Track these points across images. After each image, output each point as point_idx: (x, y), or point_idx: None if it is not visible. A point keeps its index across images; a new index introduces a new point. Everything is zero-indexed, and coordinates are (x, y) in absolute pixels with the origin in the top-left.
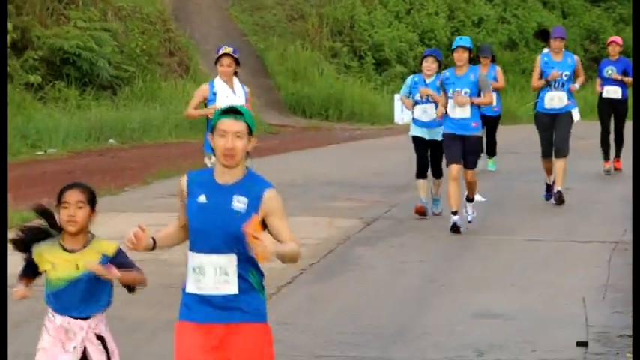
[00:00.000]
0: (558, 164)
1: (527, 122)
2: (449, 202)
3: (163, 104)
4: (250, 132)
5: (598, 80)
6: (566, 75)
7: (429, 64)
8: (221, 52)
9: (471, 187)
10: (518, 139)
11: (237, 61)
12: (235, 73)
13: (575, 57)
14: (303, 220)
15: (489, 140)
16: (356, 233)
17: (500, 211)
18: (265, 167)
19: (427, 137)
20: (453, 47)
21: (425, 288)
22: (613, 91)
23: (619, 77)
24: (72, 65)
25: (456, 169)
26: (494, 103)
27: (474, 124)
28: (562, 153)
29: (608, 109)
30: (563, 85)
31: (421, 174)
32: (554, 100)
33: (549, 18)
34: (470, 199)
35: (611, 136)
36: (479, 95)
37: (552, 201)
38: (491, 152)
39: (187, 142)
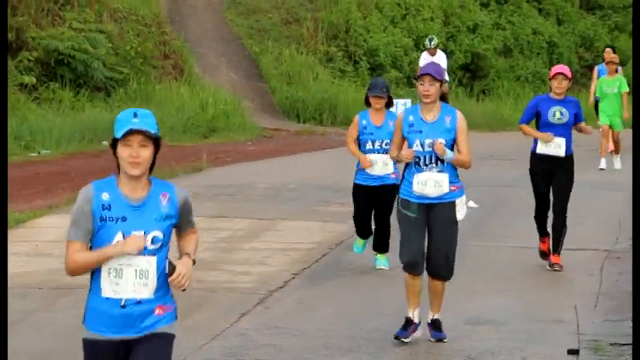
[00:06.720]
0: (435, 285)
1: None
2: None
3: (157, 107)
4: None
5: (526, 128)
6: (442, 142)
7: None
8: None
9: None
10: (512, 145)
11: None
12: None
13: (458, 113)
14: (296, 225)
15: (380, 223)
16: (349, 238)
17: (492, 218)
18: (259, 171)
19: None
20: None
21: None
22: (555, 146)
23: (590, 130)
24: (66, 66)
25: None
26: (392, 170)
27: None
28: (442, 274)
29: (546, 171)
30: (438, 161)
31: None
32: (429, 184)
33: (544, 25)
34: None
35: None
36: None
37: (430, 337)
38: (383, 246)
39: (181, 145)
